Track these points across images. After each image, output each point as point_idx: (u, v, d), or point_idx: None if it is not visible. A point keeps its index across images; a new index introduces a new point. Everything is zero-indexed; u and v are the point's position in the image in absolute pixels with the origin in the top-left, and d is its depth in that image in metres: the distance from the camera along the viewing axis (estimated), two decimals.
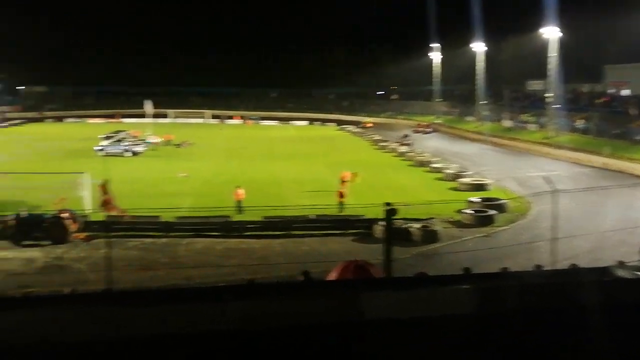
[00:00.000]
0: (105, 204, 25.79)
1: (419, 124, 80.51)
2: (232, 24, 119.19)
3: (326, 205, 27.61)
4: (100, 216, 24.54)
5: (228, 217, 26.04)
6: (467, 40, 74.40)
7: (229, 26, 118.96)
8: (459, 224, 26.83)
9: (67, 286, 16.52)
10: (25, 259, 21.38)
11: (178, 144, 57.76)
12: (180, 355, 2.23)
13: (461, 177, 37.82)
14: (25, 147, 56.27)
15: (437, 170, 41.84)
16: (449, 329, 2.35)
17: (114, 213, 25.46)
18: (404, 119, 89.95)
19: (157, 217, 25.05)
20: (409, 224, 24.22)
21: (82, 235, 23.66)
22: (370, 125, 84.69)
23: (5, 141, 63.39)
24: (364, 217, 25.74)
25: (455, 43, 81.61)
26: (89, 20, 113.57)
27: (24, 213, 23.92)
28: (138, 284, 17.28)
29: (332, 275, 11.97)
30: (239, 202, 28.24)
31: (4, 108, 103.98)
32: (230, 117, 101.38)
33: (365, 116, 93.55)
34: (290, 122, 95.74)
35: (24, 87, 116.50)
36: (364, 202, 26.74)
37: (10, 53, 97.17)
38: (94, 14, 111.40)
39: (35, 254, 21.91)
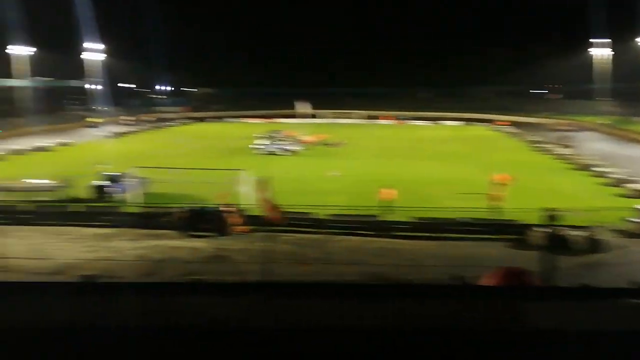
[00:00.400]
0: (264, 202, 26.73)
1: (561, 124, 75.28)
2: (384, 26, 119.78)
3: (477, 208, 26.83)
4: (259, 211, 25.88)
5: (377, 216, 26.31)
6: (634, 35, 68.07)
7: (381, 27, 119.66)
8: (625, 233, 24.72)
9: (229, 275, 17.75)
10: (194, 248, 23.21)
11: (331, 144, 59.25)
12: (333, 349, 2.29)
13: (629, 182, 34.81)
14: (192, 145, 61.05)
15: (601, 175, 38.87)
16: (622, 344, 2.23)
17: (270, 212, 26.26)
18: (562, 118, 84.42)
19: (308, 214, 26.01)
20: (571, 231, 22.77)
21: (243, 228, 25.18)
22: (508, 123, 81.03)
23: (176, 139, 69.39)
24: (519, 222, 24.67)
25: (621, 39, 75.11)
26: (251, 27, 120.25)
27: (192, 206, 26.03)
28: (293, 277, 18.06)
29: (486, 281, 11.62)
30: (386, 201, 28.38)
31: (176, 109, 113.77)
32: (382, 118, 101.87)
33: (526, 115, 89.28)
34: (443, 121, 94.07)
35: (193, 89, 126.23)
36: (519, 206, 25.61)
37: (183, 58, 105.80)
38: (255, 20, 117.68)
39: (201, 244, 23.70)
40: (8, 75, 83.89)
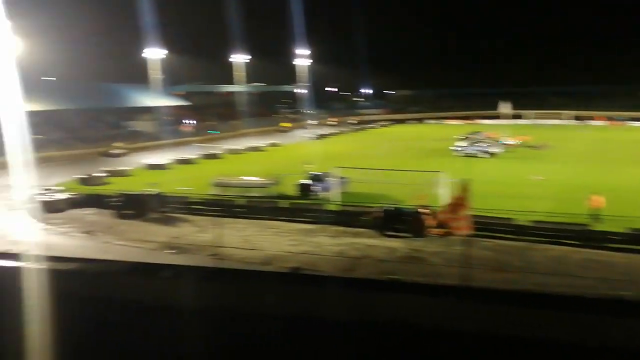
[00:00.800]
0: (456, 206, 25.66)
1: None
2: (599, 16, 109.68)
3: None
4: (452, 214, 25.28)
5: (585, 225, 24.20)
6: None
7: (595, 18, 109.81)
8: None
9: (423, 277, 17.68)
10: (389, 247, 23.51)
11: (534, 146, 55.99)
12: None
13: None
14: (391, 146, 61.88)
15: None
16: None
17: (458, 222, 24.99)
18: None
19: (509, 219, 24.81)
20: None
21: (439, 231, 24.85)
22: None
23: (376, 141, 70.97)
24: None
25: None
26: (450, 27, 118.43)
27: (389, 206, 26.37)
28: (491, 284, 17.41)
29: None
30: (596, 210, 25.96)
31: (376, 111, 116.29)
32: (593, 118, 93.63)
33: None
34: None
35: (392, 92, 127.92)
36: None
37: (384, 61, 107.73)
38: (454, 20, 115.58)
39: (397, 244, 23.91)
40: (228, 81, 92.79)
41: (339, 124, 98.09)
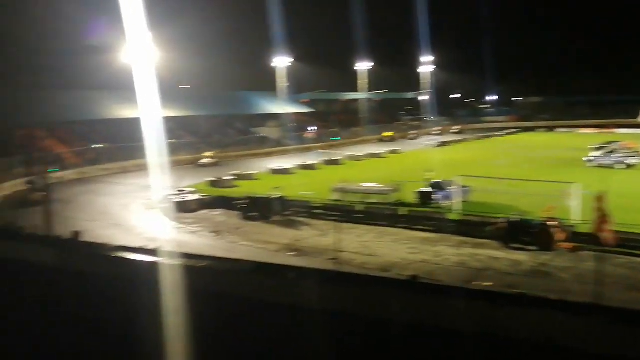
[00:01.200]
0: (601, 221, 24.37)
1: None
2: None
3: None
4: (588, 228, 23.84)
5: None
6: None
7: None
8: None
9: (550, 292, 16.76)
10: (513, 260, 22.56)
11: None
12: None
13: None
14: (517, 155, 59.40)
15: None
16: None
17: (603, 231, 24.02)
18: None
19: None
20: None
21: (568, 245, 23.51)
22: None
23: (500, 149, 68.51)
24: None
25: None
26: (583, 32, 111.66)
27: (514, 217, 25.31)
28: (626, 304, 16.15)
29: None
30: None
31: (502, 118, 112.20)
32: None
33: None
34: None
35: (520, 98, 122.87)
36: None
37: (510, 68, 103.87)
38: (588, 24, 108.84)
39: (522, 257, 22.87)
40: (350, 88, 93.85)
41: (463, 132, 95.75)
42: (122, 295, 6.94)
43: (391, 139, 77.78)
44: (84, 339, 7.15)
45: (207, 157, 56.62)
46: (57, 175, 41.53)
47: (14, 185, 39.97)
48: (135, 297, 6.67)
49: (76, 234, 14.45)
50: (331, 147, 73.74)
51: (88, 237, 20.10)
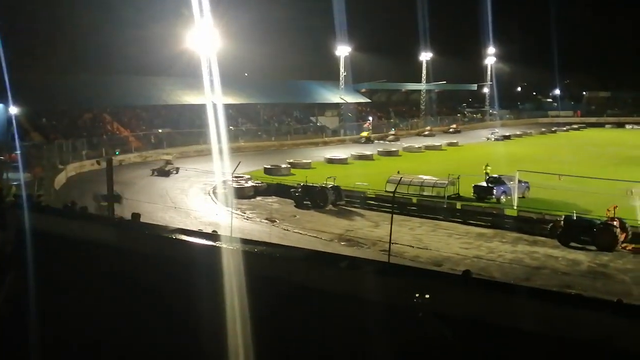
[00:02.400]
0: None
1: None
2: None
3: None
4: None
5: None
6: None
7: None
8: None
9: (609, 295, 16.27)
10: (571, 260, 21.98)
11: None
12: None
13: None
14: (582, 152, 57.53)
15: None
16: None
17: None
18: None
19: None
20: None
21: (630, 246, 22.73)
22: None
23: (564, 144, 66.51)
24: None
25: None
26: None
27: (573, 216, 24.62)
28: None
29: None
30: None
31: (567, 113, 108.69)
32: None
33: None
34: None
35: (587, 93, 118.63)
36: None
37: (577, 61, 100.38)
38: None
39: (580, 257, 22.26)
40: (409, 79, 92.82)
41: (524, 126, 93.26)
42: (179, 276, 7.21)
43: (367, 140, 63.93)
44: (144, 317, 7.47)
45: (269, 145, 57.11)
46: (119, 158, 43.00)
47: (80, 166, 41.66)
48: (192, 279, 6.93)
49: (136, 215, 15.00)
50: (389, 138, 73.35)
51: (148, 219, 20.85)
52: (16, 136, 39.40)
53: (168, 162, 42.33)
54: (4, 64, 34.83)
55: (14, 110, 42.39)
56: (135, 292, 7.67)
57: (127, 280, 7.82)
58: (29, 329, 8.16)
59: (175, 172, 41.21)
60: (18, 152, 36.25)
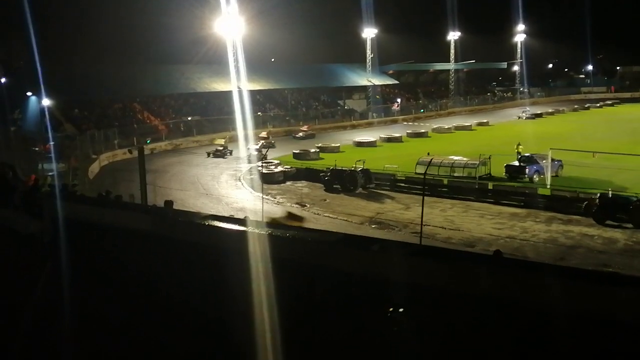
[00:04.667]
0: None
1: None
2: None
3: None
4: None
5: None
6: None
7: None
8: None
9: None
10: (607, 238, 21.61)
11: None
12: None
13: None
14: (616, 128, 56.19)
15: None
16: None
17: None
18: None
19: None
20: None
21: None
22: None
23: (597, 121, 65.12)
24: None
25: None
26: None
27: (609, 193, 24.15)
28: None
29: None
30: None
31: (599, 88, 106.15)
32: None
33: None
34: None
35: (621, 68, 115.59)
36: None
37: (610, 35, 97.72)
38: None
39: (617, 235, 21.88)
40: (437, 59, 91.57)
41: (556, 103, 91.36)
42: (212, 261, 7.30)
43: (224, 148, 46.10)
44: (177, 301, 7.60)
45: (301, 130, 56.97)
46: (150, 146, 43.58)
47: (113, 156, 42.34)
48: (225, 264, 7.00)
49: (169, 203, 15.20)
50: (417, 119, 72.70)
51: (180, 206, 21.11)
52: (49, 127, 40.15)
53: (222, 146, 44.76)
54: (36, 57, 35.51)
55: (46, 102, 43.17)
56: (168, 277, 7.80)
57: (160, 266, 7.94)
58: (65, 315, 8.37)
59: (229, 153, 43.65)
60: (52, 143, 36.96)
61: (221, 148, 44.70)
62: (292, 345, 6.22)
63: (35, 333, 8.53)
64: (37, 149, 37.65)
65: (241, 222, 8.47)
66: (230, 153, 44.11)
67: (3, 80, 46.45)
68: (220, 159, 42.21)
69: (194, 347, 7.20)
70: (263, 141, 46.49)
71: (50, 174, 28.04)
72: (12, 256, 10.68)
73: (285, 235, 7.26)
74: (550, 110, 79.38)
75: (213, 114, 57.78)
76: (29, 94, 45.87)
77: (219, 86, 60.07)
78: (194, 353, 7.26)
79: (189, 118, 56.63)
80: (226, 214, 20.26)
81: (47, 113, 42.41)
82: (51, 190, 14.33)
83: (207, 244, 7.62)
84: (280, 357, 6.24)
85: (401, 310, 5.65)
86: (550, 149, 31.71)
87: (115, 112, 54.27)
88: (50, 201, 11.40)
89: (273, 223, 8.13)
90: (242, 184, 34.06)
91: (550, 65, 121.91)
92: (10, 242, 11.10)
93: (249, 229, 7.46)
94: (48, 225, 10.38)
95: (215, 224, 7.97)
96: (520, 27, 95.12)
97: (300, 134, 55.65)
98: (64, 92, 46.09)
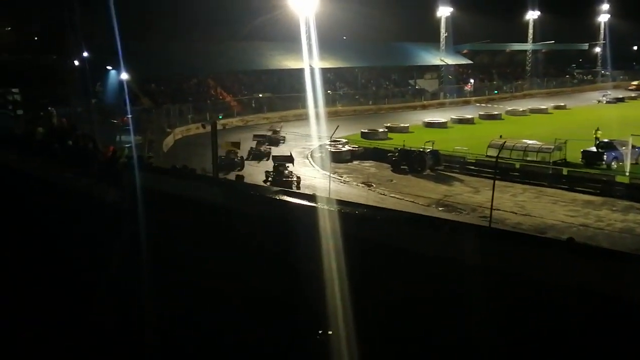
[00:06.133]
0: None
1: None
2: None
3: None
4: None
5: None
6: None
7: None
8: None
9: None
10: None
11: None
12: None
13: None
14: None
15: None
16: None
17: None
18: None
19: None
20: None
21: None
22: None
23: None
24: None
25: None
26: None
27: None
28: None
29: None
30: None
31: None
32: None
33: None
34: None
35: None
36: None
37: None
38: None
39: None
40: (514, 39, 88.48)
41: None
42: (282, 235, 7.47)
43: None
44: (249, 271, 7.84)
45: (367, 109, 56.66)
46: (222, 122, 44.47)
47: (186, 130, 43.55)
48: (294, 238, 7.15)
49: (240, 177, 15.59)
50: (491, 100, 70.78)
51: (250, 181, 21.56)
52: (127, 101, 41.64)
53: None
54: (116, 32, 36.79)
55: (125, 76, 44.75)
56: (240, 248, 8.04)
57: (232, 237, 8.20)
58: (142, 281, 8.81)
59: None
60: (129, 116, 38.35)
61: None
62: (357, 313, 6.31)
63: (113, 299, 9.01)
64: (115, 121, 39.16)
65: (309, 197, 8.60)
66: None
67: (85, 54, 48.49)
68: (290, 137, 42.46)
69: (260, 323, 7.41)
70: (270, 133, 39.87)
71: (127, 145, 29.15)
72: (93, 222, 11.29)
73: (354, 212, 7.34)
74: (633, 95, 75.40)
75: (284, 91, 58.29)
76: (109, 68, 47.68)
77: (290, 64, 60.41)
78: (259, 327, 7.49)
79: (260, 95, 57.37)
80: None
81: (125, 87, 43.96)
82: (128, 161, 14.94)
83: (277, 216, 7.81)
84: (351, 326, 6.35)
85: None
86: (632, 135, 30.22)
87: (190, 87, 55.68)
88: (128, 172, 11.95)
89: (341, 200, 8.22)
90: (310, 161, 34.32)
91: (635, 48, 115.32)
92: (91, 209, 11.72)
93: (317, 204, 7.58)
94: (126, 194, 10.90)
95: (284, 198, 8.14)
96: (604, 6, 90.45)
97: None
98: (142, 67, 47.61)
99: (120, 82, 45.16)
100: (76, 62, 50.19)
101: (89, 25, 46.70)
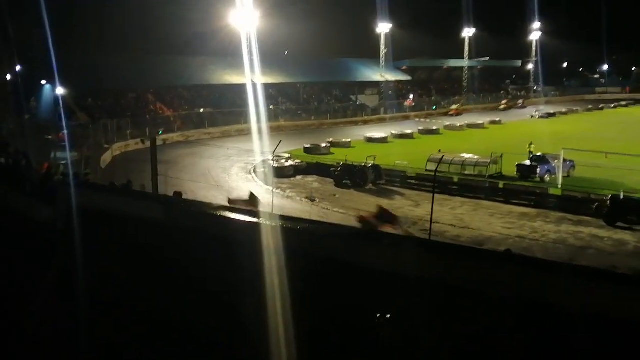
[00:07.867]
0: None
1: None
2: None
3: None
4: None
5: None
6: None
7: None
8: None
9: None
10: (617, 240, 21.49)
11: None
12: None
13: None
14: (630, 129, 55.70)
15: None
16: None
17: None
18: None
19: None
20: None
21: None
22: None
23: (611, 122, 64.64)
24: None
25: None
26: None
27: (620, 195, 24.00)
28: None
29: None
30: None
31: (614, 89, 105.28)
32: None
33: None
34: None
35: (635, 69, 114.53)
36: None
37: (626, 35, 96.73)
38: None
39: (627, 237, 21.74)
40: (451, 55, 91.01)
41: (570, 103, 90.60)
42: (222, 251, 7.36)
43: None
44: (188, 290, 7.68)
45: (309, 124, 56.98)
46: (162, 137, 43.73)
47: (125, 146, 42.55)
48: (236, 254, 7.06)
49: (178, 194, 15.30)
50: (430, 116, 72.44)
51: (191, 197, 21.19)
52: (63, 116, 40.39)
53: None
54: (50, 46, 35.72)
55: (60, 90, 43.42)
56: (179, 266, 7.88)
57: (171, 255, 8.03)
58: (78, 300, 8.48)
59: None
60: (65, 131, 37.20)
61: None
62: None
63: (47, 319, 8.65)
64: (50, 137, 37.88)
65: (251, 213, 8.54)
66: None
67: (18, 68, 46.82)
68: (232, 152, 42.14)
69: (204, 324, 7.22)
70: None
71: (63, 162, 28.23)
72: (26, 243, 10.82)
73: (296, 227, 7.32)
74: (563, 110, 78.81)
75: (226, 106, 57.92)
76: (43, 82, 46.17)
77: (232, 79, 60.18)
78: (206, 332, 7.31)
79: (202, 110, 56.79)
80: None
81: (60, 102, 42.66)
82: (64, 178, 14.45)
83: (217, 233, 7.69)
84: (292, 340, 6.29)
85: (388, 316, 5.72)
86: (563, 149, 31.51)
87: (128, 102, 54.57)
88: (63, 189, 11.53)
89: (283, 215, 8.19)
90: (253, 177, 34.14)
91: (565, 65, 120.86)
92: (23, 229, 11.24)
93: (259, 220, 7.53)
94: (61, 213, 10.52)
95: (225, 214, 8.05)
96: (536, 25, 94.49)
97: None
98: (78, 81, 46.36)
99: (56, 97, 43.81)
100: (8, 77, 48.37)
101: (22, 38, 45.18)
